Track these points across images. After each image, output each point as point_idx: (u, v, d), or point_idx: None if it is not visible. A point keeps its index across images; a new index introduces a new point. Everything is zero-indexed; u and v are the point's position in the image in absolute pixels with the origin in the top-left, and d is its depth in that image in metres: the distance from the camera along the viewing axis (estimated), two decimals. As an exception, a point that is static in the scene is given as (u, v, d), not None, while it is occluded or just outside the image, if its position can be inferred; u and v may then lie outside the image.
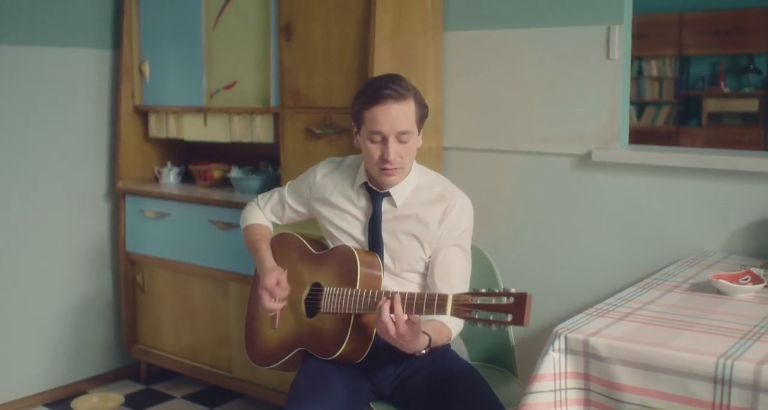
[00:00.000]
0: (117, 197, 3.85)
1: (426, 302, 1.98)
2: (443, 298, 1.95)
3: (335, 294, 2.23)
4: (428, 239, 2.30)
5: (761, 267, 2.33)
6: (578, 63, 2.90)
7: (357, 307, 2.17)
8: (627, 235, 2.87)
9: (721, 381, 1.60)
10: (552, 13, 2.94)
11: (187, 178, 3.95)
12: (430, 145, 3.12)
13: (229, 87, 3.46)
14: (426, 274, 2.34)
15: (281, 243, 2.51)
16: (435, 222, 2.30)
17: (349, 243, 2.36)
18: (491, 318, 1.87)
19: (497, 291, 1.88)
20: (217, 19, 3.46)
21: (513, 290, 1.86)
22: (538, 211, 3.06)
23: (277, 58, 3.19)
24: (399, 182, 2.32)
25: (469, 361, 2.62)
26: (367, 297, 2.15)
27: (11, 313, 3.57)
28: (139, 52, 3.79)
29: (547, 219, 3.04)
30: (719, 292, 2.14)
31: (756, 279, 2.17)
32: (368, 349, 2.23)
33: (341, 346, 2.21)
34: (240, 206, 3.24)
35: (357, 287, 2.21)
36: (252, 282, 2.58)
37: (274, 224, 2.62)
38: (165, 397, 3.77)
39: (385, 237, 2.32)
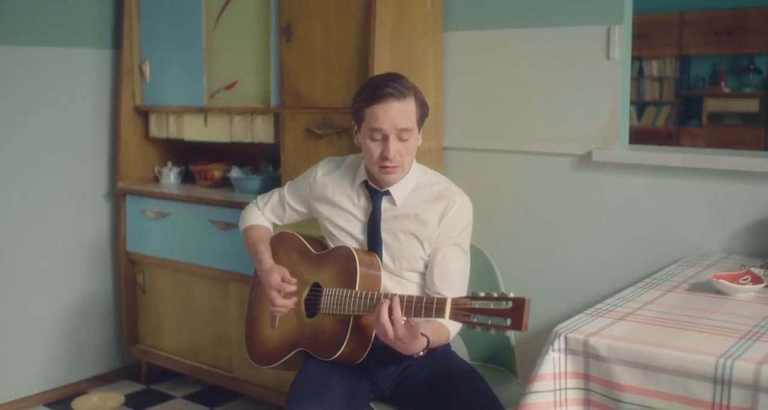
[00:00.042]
0: (117, 197, 3.85)
1: (425, 305, 1.99)
2: (442, 302, 1.95)
3: (335, 295, 2.23)
4: (428, 238, 2.30)
5: (761, 267, 2.33)
6: (578, 63, 2.90)
7: (356, 309, 2.17)
8: (627, 235, 2.87)
9: (721, 381, 1.60)
10: (552, 13, 2.94)
11: (187, 178, 3.95)
12: (430, 145, 3.12)
13: (229, 87, 3.46)
14: (426, 273, 2.34)
15: (281, 242, 2.51)
16: (434, 221, 2.30)
17: (349, 242, 2.36)
18: (490, 322, 1.86)
19: (496, 295, 1.88)
20: (218, 20, 3.46)
21: (512, 294, 1.86)
22: (538, 211, 3.06)
23: (278, 58, 3.19)
24: (399, 180, 2.32)
25: (469, 361, 2.63)
26: (366, 298, 2.15)
27: (11, 313, 3.57)
28: (140, 52, 3.79)
29: (547, 219, 3.04)
30: (719, 292, 2.14)
31: (756, 279, 2.17)
32: (368, 350, 2.23)
33: (340, 347, 2.21)
34: (240, 206, 3.25)
35: (356, 287, 2.21)
36: (252, 282, 2.58)
37: (275, 224, 2.62)
38: (165, 397, 3.77)
39: (385, 236, 2.33)
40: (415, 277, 2.35)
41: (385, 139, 2.22)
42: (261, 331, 2.48)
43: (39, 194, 3.62)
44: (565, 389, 1.80)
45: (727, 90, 7.83)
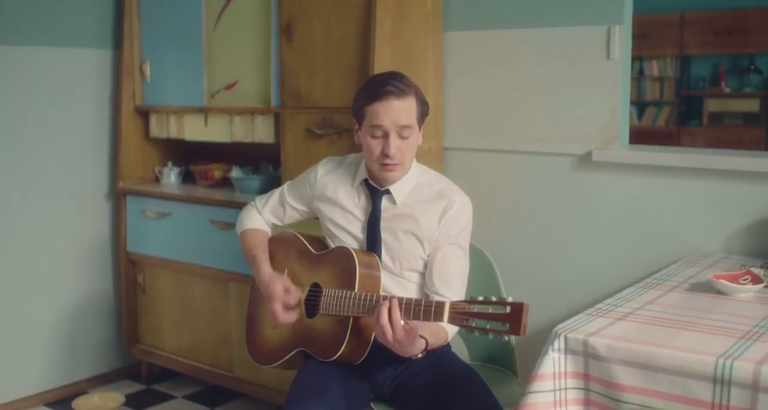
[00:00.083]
0: (118, 197, 3.85)
1: (423, 309, 1.99)
2: (440, 305, 1.96)
3: (334, 296, 2.23)
4: (428, 237, 2.30)
5: (761, 267, 2.33)
6: (578, 63, 2.90)
7: (355, 310, 2.17)
8: (627, 235, 2.87)
9: (721, 381, 1.60)
10: (552, 14, 2.94)
11: (187, 178, 3.95)
12: (431, 145, 3.12)
13: (229, 87, 3.46)
14: (425, 273, 2.34)
15: (281, 241, 2.51)
16: (434, 221, 2.30)
17: (349, 241, 2.36)
18: (488, 326, 1.87)
19: (495, 299, 1.88)
20: (218, 20, 3.46)
21: (510, 299, 1.86)
22: (538, 211, 3.06)
23: (278, 58, 3.19)
24: (399, 179, 2.32)
25: (469, 361, 2.63)
26: (365, 300, 2.15)
27: (12, 313, 3.57)
28: (140, 52, 3.79)
29: (547, 219, 3.04)
30: (719, 292, 2.14)
31: (756, 279, 2.17)
32: (367, 351, 2.23)
33: (340, 348, 2.21)
34: (241, 206, 3.23)
35: (356, 288, 2.21)
36: (252, 282, 2.58)
37: (275, 225, 2.61)
38: (166, 397, 3.77)
39: (385, 235, 2.33)
40: (415, 277, 2.35)
41: (385, 136, 2.22)
42: (261, 331, 2.48)
43: (39, 194, 3.62)
44: (565, 389, 1.80)
45: (727, 90, 7.83)
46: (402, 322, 2.00)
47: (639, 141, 3.20)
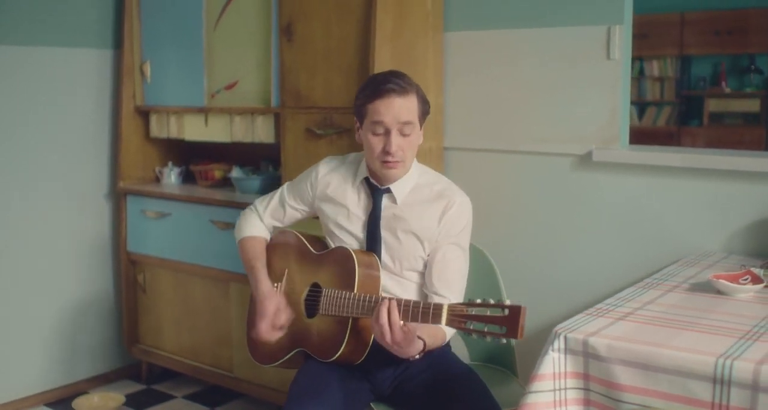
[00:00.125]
0: (118, 197, 3.86)
1: (422, 310, 1.99)
2: (439, 308, 1.96)
3: (333, 297, 2.23)
4: (428, 237, 2.30)
5: (761, 267, 2.33)
6: (579, 63, 2.90)
7: (354, 311, 2.17)
8: (627, 235, 2.87)
9: (721, 381, 1.60)
10: (552, 14, 2.94)
11: (188, 178, 3.95)
12: (431, 145, 3.12)
13: (230, 87, 3.46)
14: (425, 273, 2.34)
15: (281, 241, 2.51)
16: (435, 220, 2.30)
17: (349, 240, 2.36)
18: (486, 329, 1.87)
19: (493, 302, 1.88)
20: (218, 20, 3.46)
21: (508, 302, 1.87)
22: (538, 211, 3.06)
23: (278, 58, 3.19)
24: (400, 177, 2.32)
25: (469, 361, 2.63)
26: (364, 301, 2.15)
27: (12, 313, 3.57)
28: (140, 52, 3.79)
29: (547, 219, 3.04)
30: (719, 292, 2.14)
31: (756, 279, 2.17)
32: (366, 352, 2.23)
33: (339, 349, 2.21)
34: (241, 206, 3.25)
35: (355, 288, 2.21)
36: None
37: (276, 227, 2.60)
38: (166, 397, 3.77)
39: (385, 235, 2.33)
40: (415, 277, 2.35)
41: (387, 133, 2.22)
42: (262, 330, 2.48)
43: (39, 194, 3.62)
44: (565, 389, 1.80)
45: (728, 90, 7.83)
46: (400, 323, 2.00)
47: (639, 141, 3.20)
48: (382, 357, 2.20)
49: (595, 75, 2.87)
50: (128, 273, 3.85)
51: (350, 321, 2.20)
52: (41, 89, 3.59)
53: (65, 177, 3.72)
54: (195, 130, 3.65)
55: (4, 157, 3.49)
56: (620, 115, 2.86)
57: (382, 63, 2.84)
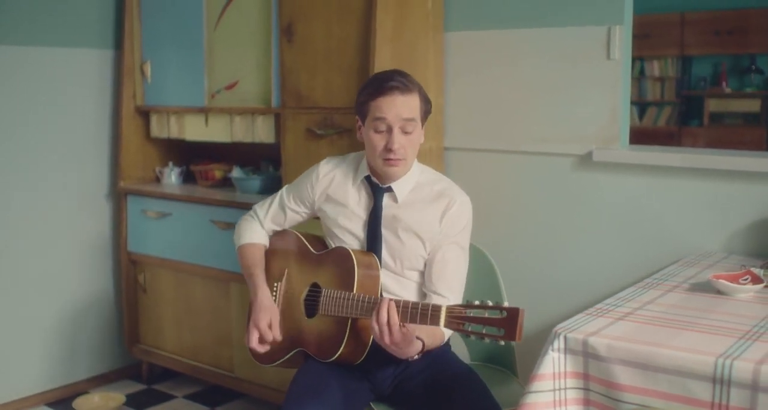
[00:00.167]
0: (118, 197, 3.86)
1: (420, 312, 1.99)
2: (437, 309, 1.96)
3: (333, 297, 2.23)
4: (429, 236, 2.30)
5: (761, 267, 2.33)
6: (579, 63, 2.90)
7: (353, 312, 2.17)
8: (627, 235, 2.87)
9: (720, 381, 1.60)
10: (553, 14, 2.94)
11: (188, 178, 3.95)
12: (431, 145, 3.12)
13: (230, 87, 3.46)
14: (424, 272, 2.35)
15: (281, 241, 2.51)
16: (435, 220, 2.30)
17: (350, 239, 2.36)
18: (484, 331, 1.87)
19: (491, 304, 1.88)
20: (219, 20, 3.47)
21: (506, 304, 1.87)
22: (538, 211, 3.06)
23: (279, 58, 3.19)
24: (402, 176, 2.32)
25: (469, 361, 2.63)
26: (363, 301, 2.15)
27: (12, 313, 3.58)
28: (141, 52, 3.79)
29: (547, 219, 3.04)
30: (719, 292, 2.14)
31: (756, 279, 2.17)
32: (366, 352, 2.23)
33: (338, 349, 2.21)
34: (241, 206, 3.26)
35: (354, 289, 2.21)
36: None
37: (276, 232, 2.59)
38: (166, 397, 3.78)
39: (386, 234, 2.33)
40: (416, 276, 2.35)
41: (389, 130, 2.22)
42: (262, 330, 2.48)
43: (39, 194, 3.62)
44: (565, 389, 1.80)
45: (728, 90, 7.83)
46: (399, 324, 2.00)
47: (640, 141, 3.20)
48: (381, 356, 2.20)
49: (595, 75, 2.87)
50: (129, 273, 3.85)
51: (350, 321, 2.20)
52: (41, 89, 3.59)
53: (65, 177, 3.72)
54: (195, 130, 3.65)
55: (4, 157, 3.49)
56: (620, 115, 2.86)
57: (382, 63, 2.84)
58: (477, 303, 1.90)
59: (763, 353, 1.64)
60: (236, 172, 3.64)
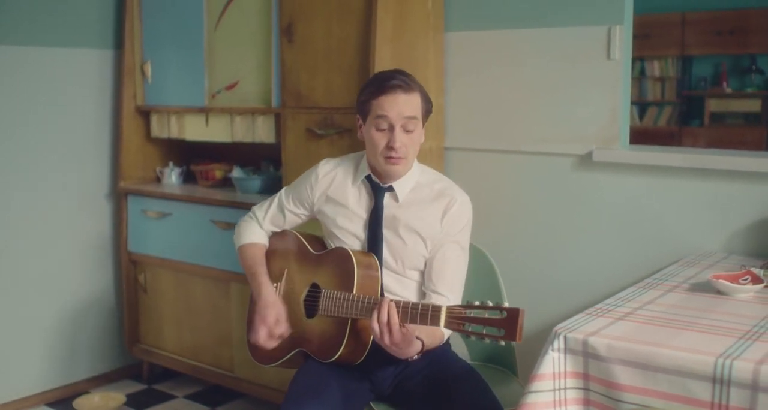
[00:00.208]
0: (119, 197, 3.86)
1: (420, 312, 1.99)
2: (437, 310, 1.96)
3: (332, 298, 2.23)
4: (431, 236, 2.30)
5: (761, 267, 2.33)
6: (579, 63, 2.90)
7: (353, 312, 2.17)
8: (627, 235, 2.87)
9: (720, 381, 1.60)
10: (553, 14, 2.94)
11: (188, 178, 3.95)
12: (432, 145, 3.12)
13: (230, 87, 3.46)
14: (424, 271, 2.34)
15: (281, 241, 2.51)
16: (436, 220, 2.30)
17: (351, 240, 2.36)
18: (484, 331, 1.87)
19: (491, 304, 1.88)
20: (219, 20, 3.47)
21: (506, 304, 1.87)
22: (538, 211, 3.06)
23: (279, 58, 3.19)
24: (403, 175, 2.32)
25: (469, 361, 2.63)
26: (363, 302, 2.15)
27: (12, 313, 3.58)
28: (141, 52, 3.79)
29: (547, 219, 3.04)
30: (719, 292, 2.14)
31: (756, 279, 2.17)
32: (365, 353, 2.23)
33: (338, 350, 2.21)
34: (242, 206, 3.26)
35: (354, 289, 2.21)
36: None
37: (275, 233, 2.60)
38: (167, 397, 3.78)
39: (387, 233, 2.32)
40: (417, 276, 2.35)
41: (391, 128, 2.23)
42: (262, 330, 2.48)
43: (39, 194, 3.62)
44: (565, 389, 1.80)
45: (729, 90, 7.83)
46: (399, 324, 2.00)
47: (640, 141, 3.20)
48: (381, 356, 2.20)
49: (595, 75, 2.87)
50: (129, 273, 3.85)
51: (349, 321, 2.20)
52: (41, 89, 3.59)
53: (66, 177, 3.72)
54: (196, 130, 3.65)
55: (4, 157, 3.49)
56: (621, 115, 2.86)
57: (382, 63, 2.84)
58: (477, 303, 1.90)
59: (763, 353, 1.64)
60: (236, 172, 3.64)
